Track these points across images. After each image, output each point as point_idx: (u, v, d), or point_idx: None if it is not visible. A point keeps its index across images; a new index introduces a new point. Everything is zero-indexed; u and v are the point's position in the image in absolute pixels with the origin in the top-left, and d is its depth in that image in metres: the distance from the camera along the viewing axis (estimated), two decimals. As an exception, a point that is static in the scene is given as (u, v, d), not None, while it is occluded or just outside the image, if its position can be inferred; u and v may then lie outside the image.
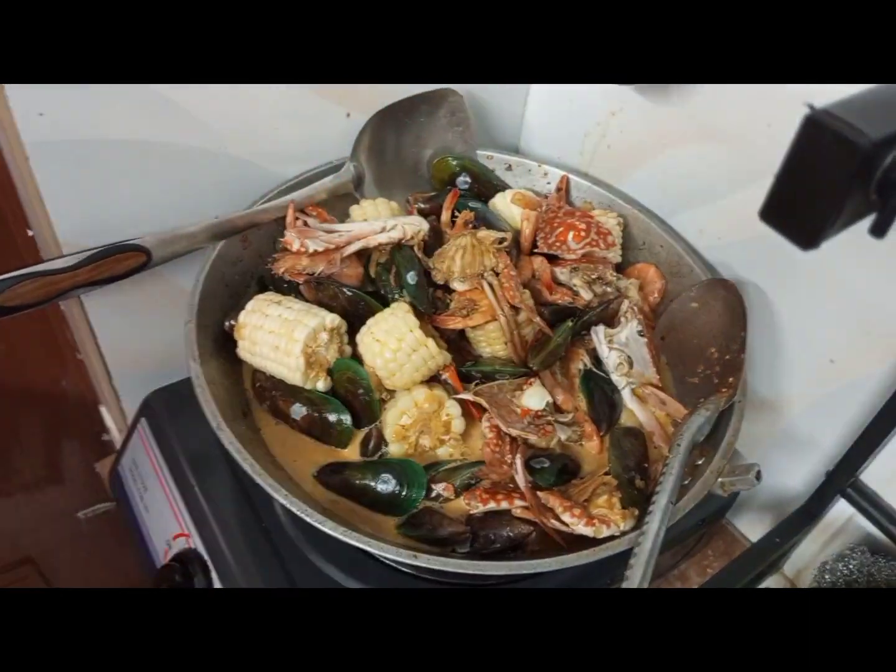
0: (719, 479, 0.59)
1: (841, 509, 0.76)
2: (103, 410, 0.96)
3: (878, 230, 0.28)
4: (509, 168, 0.86)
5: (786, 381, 0.76)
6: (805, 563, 0.83)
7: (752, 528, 0.87)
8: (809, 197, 0.26)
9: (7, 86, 0.57)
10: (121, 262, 0.65)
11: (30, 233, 0.77)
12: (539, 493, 0.58)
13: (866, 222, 0.30)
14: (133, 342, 0.81)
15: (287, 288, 0.69)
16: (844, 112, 0.25)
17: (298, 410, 0.64)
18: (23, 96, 0.58)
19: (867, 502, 0.72)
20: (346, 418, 0.63)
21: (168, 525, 0.72)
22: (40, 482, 1.05)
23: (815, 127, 0.26)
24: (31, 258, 0.75)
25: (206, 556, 0.67)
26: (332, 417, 0.63)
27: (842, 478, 0.73)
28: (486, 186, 0.83)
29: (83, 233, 0.68)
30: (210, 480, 0.71)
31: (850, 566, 0.72)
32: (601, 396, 0.67)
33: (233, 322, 0.66)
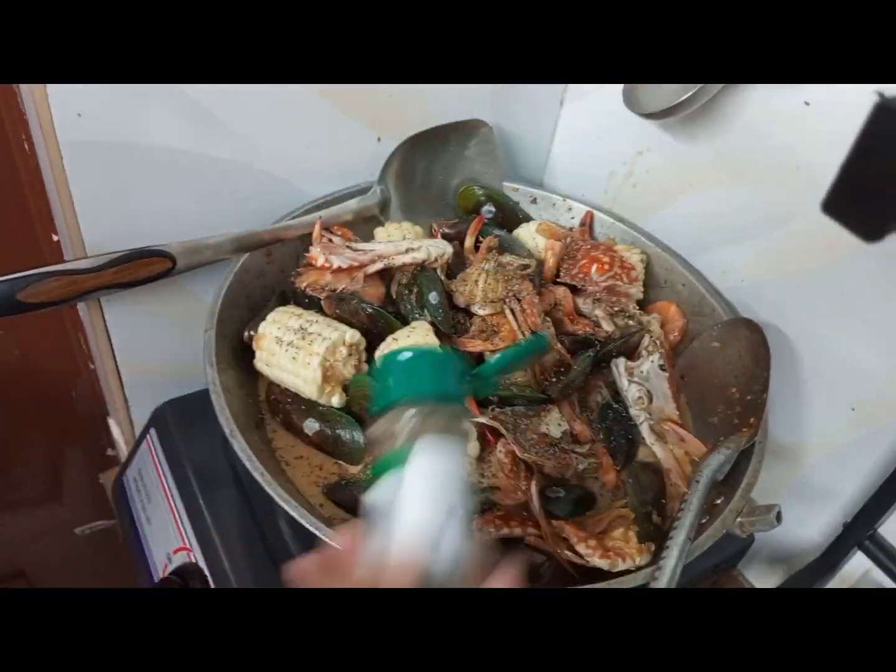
0: (738, 519, 0.58)
1: (858, 563, 0.74)
2: (111, 423, 0.96)
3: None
4: (534, 201, 0.87)
5: (805, 428, 0.75)
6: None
7: (762, 579, 0.84)
8: (877, 186, 0.26)
9: (49, 84, 0.58)
10: (145, 267, 0.65)
11: (55, 237, 0.77)
12: (553, 522, 0.57)
13: None
14: (148, 352, 0.81)
15: (308, 303, 0.69)
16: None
17: (311, 425, 0.63)
18: (63, 95, 0.59)
19: (885, 556, 0.70)
20: (359, 436, 0.62)
21: (170, 539, 0.70)
22: (41, 495, 1.04)
23: (887, 113, 0.25)
24: (55, 262, 0.75)
25: (206, 572, 0.65)
26: (344, 434, 0.62)
27: (860, 530, 0.71)
28: (510, 217, 0.83)
29: (109, 238, 0.68)
30: (216, 495, 0.69)
31: (868, 622, 0.70)
32: (619, 430, 0.66)
33: (252, 332, 0.66)
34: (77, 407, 0.96)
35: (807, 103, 0.65)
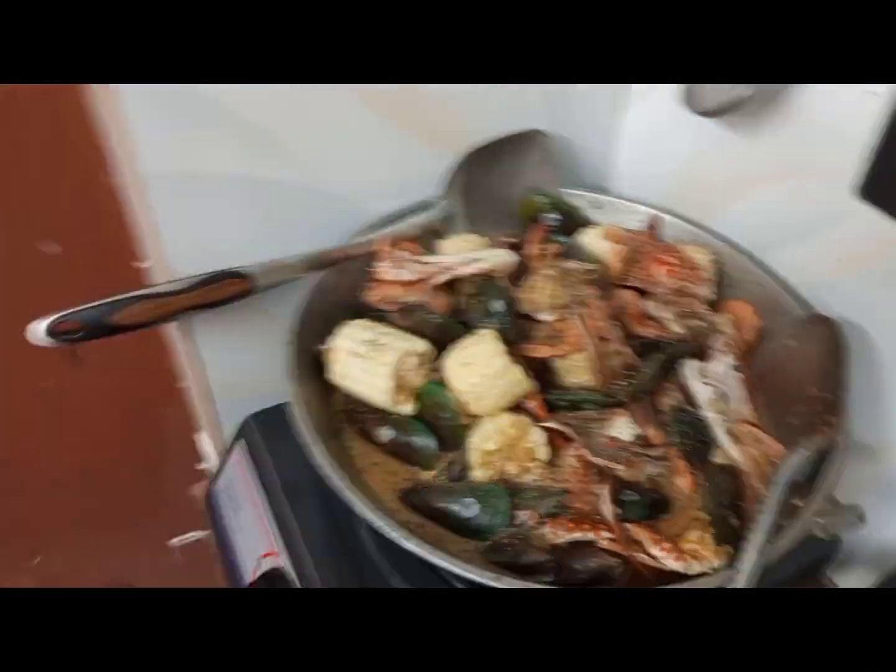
0: (819, 520, 0.56)
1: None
2: (201, 437, 1.01)
3: None
4: (598, 206, 0.87)
5: (888, 427, 0.72)
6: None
7: (854, 584, 0.81)
8: None
9: (132, 119, 0.62)
10: (225, 288, 0.69)
11: (142, 264, 0.83)
12: (626, 525, 0.57)
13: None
14: (235, 368, 0.85)
15: (378, 316, 0.71)
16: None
17: (386, 433, 0.65)
18: (146, 129, 0.64)
19: None
20: (432, 442, 0.64)
21: (258, 544, 0.74)
22: (138, 510, 1.10)
23: None
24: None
25: (293, 574, 0.68)
26: (417, 441, 0.64)
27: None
28: (573, 224, 0.83)
29: (192, 263, 0.72)
30: (300, 502, 0.73)
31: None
32: (693, 433, 0.65)
33: (327, 346, 0.68)
34: (168, 424, 1.02)
35: (874, 93, 0.63)
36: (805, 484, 0.60)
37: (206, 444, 0.99)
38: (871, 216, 0.66)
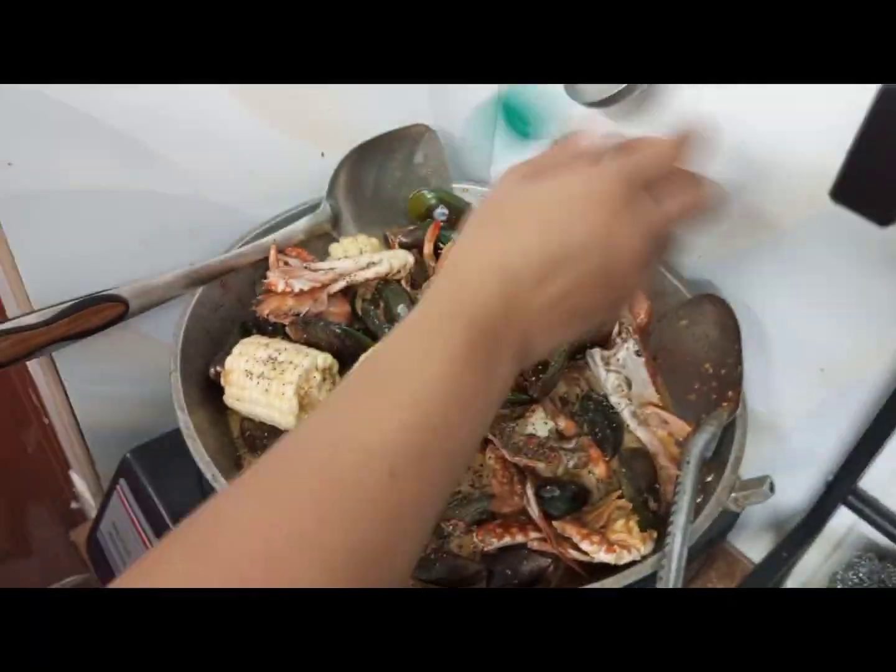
0: (732, 495, 0.58)
1: (843, 518, 0.75)
2: (74, 476, 0.92)
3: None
4: (486, 200, 0.86)
5: (778, 395, 0.76)
6: (809, 576, 0.82)
7: (751, 546, 0.86)
8: (886, 171, 0.26)
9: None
10: (98, 314, 0.62)
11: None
12: (554, 523, 0.57)
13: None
14: (107, 401, 0.77)
15: (272, 330, 0.67)
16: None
17: (293, 456, 0.61)
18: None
19: (869, 508, 0.72)
20: (344, 461, 0.60)
21: (154, 590, 0.67)
22: (8, 555, 1.01)
23: (890, 98, 0.25)
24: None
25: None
26: (328, 461, 0.60)
27: (842, 486, 0.73)
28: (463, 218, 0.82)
29: (55, 288, 0.64)
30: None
31: (861, 574, 0.72)
32: (603, 420, 0.66)
33: (219, 368, 0.63)
34: (35, 463, 0.92)
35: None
36: (713, 459, 0.62)
37: (79, 485, 0.90)
38: (745, 198, 0.69)
